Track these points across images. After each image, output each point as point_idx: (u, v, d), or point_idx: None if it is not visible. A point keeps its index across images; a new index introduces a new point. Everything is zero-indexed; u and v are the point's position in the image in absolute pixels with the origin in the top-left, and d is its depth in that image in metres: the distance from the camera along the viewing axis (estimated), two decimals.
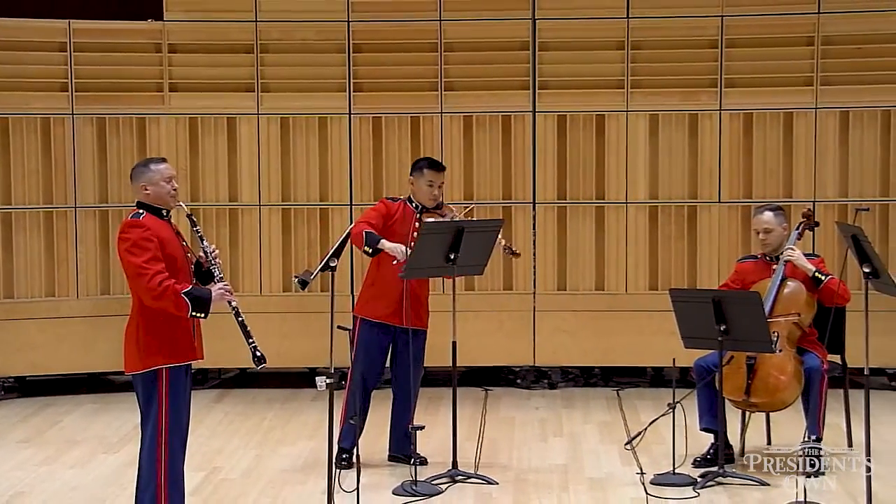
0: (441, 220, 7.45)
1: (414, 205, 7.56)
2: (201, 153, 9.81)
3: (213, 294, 5.92)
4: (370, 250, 7.28)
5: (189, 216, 6.16)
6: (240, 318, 6.02)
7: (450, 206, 7.68)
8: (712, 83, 9.64)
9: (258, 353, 5.98)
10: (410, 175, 7.64)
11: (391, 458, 7.63)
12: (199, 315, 5.89)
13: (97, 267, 9.75)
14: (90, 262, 9.74)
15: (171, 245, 5.93)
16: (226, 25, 9.77)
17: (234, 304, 6.00)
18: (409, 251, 7.20)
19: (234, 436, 8.47)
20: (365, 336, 7.43)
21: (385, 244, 7.25)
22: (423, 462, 7.42)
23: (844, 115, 9.58)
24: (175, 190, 6.04)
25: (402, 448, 7.56)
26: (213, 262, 6.03)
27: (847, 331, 7.65)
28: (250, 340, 6.02)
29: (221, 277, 6.05)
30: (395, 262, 7.29)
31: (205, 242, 6.08)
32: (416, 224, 7.46)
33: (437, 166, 7.61)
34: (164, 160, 6.15)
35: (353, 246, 7.54)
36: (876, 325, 6.50)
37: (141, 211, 5.93)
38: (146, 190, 5.96)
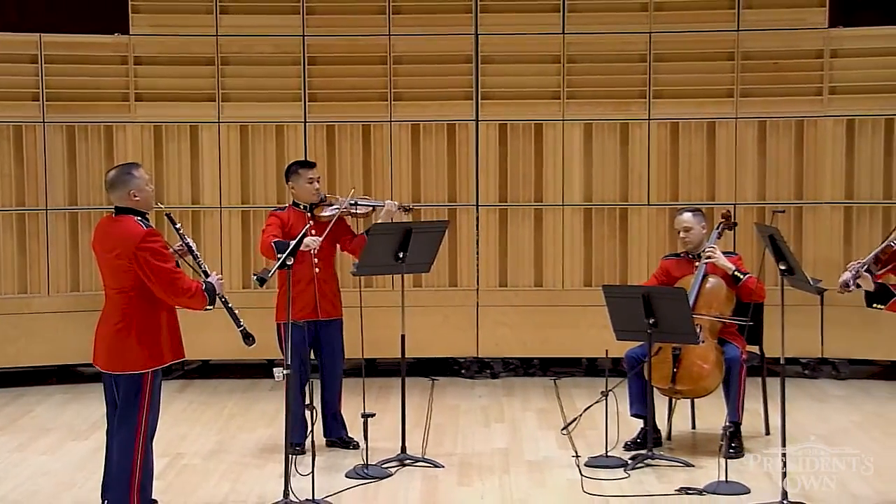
0: (388, 222, 7.51)
1: (301, 206, 7.53)
2: (165, 159, 9.76)
3: (216, 286, 5.95)
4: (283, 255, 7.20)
5: (168, 215, 6.18)
6: (228, 305, 6.06)
7: (333, 196, 7.67)
8: (641, 94, 9.70)
9: (247, 333, 6.08)
10: (287, 181, 7.60)
11: (329, 443, 7.60)
12: (210, 308, 5.94)
13: (67, 265, 9.67)
14: (60, 261, 9.66)
15: None
16: (188, 39, 9.72)
17: (222, 292, 6.04)
18: (319, 241, 7.28)
19: (197, 423, 8.43)
20: (295, 337, 7.29)
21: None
22: (356, 446, 7.41)
23: (762, 125, 9.67)
24: (153, 191, 6.05)
25: (336, 432, 7.59)
26: (197, 256, 6.05)
27: (764, 323, 7.73)
28: (240, 324, 6.08)
29: (206, 269, 6.06)
30: (313, 252, 7.32)
31: (187, 239, 6.08)
32: (311, 222, 7.43)
33: (308, 164, 7.67)
34: (139, 165, 6.10)
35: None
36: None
37: (142, 219, 5.86)
38: (136, 196, 5.90)
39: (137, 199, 5.89)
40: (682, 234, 7.65)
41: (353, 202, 7.54)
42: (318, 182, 7.55)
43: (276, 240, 7.25)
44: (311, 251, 7.34)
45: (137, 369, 5.85)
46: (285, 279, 7.14)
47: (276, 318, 7.51)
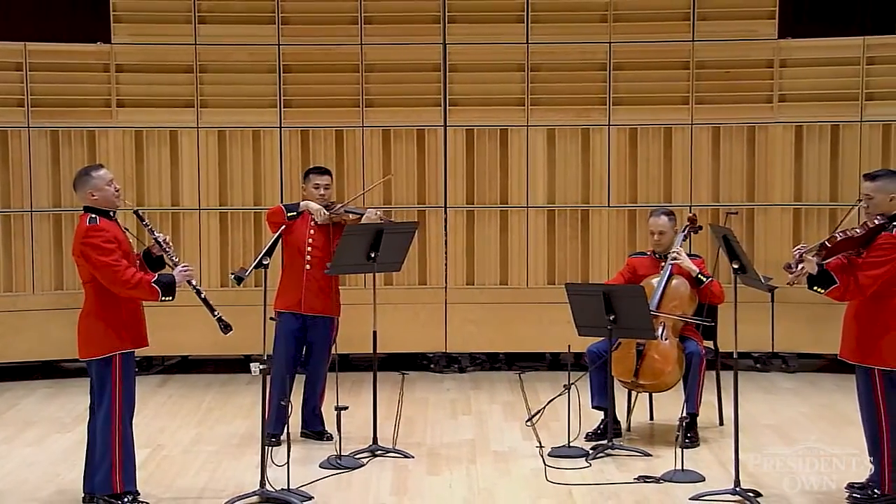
0: (360, 223, 7.50)
1: None
2: (146, 162, 9.71)
3: (177, 277, 5.93)
4: (295, 213, 7.33)
5: (136, 212, 6.18)
6: (202, 295, 6.02)
7: (339, 203, 7.74)
8: (602, 101, 9.73)
9: (223, 323, 6.01)
10: (302, 183, 7.68)
11: (303, 434, 7.58)
12: (168, 298, 5.89)
13: (51, 265, 9.61)
14: (45, 261, 9.60)
15: (124, 243, 5.94)
16: (168, 48, 9.67)
17: (194, 283, 6.00)
18: (326, 212, 7.36)
19: (176, 416, 8.39)
20: (281, 327, 7.36)
21: (308, 203, 7.38)
22: (330, 438, 7.41)
23: (716, 130, 9.72)
24: (118, 191, 6.04)
25: (312, 425, 7.58)
26: (167, 248, 6.04)
27: (718, 319, 7.76)
28: (215, 312, 6.03)
29: (177, 261, 6.05)
30: (315, 221, 7.37)
31: (156, 233, 6.07)
32: (312, 223, 7.44)
33: (320, 170, 7.66)
34: (101, 166, 6.14)
35: (271, 228, 7.40)
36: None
37: (94, 216, 5.89)
38: (94, 196, 5.96)
39: (96, 198, 5.95)
40: (655, 237, 7.61)
41: (351, 210, 7.56)
42: (324, 189, 7.51)
43: (286, 204, 7.47)
44: (308, 238, 7.36)
45: (103, 353, 5.89)
46: (284, 268, 7.41)
47: (274, 305, 7.50)
